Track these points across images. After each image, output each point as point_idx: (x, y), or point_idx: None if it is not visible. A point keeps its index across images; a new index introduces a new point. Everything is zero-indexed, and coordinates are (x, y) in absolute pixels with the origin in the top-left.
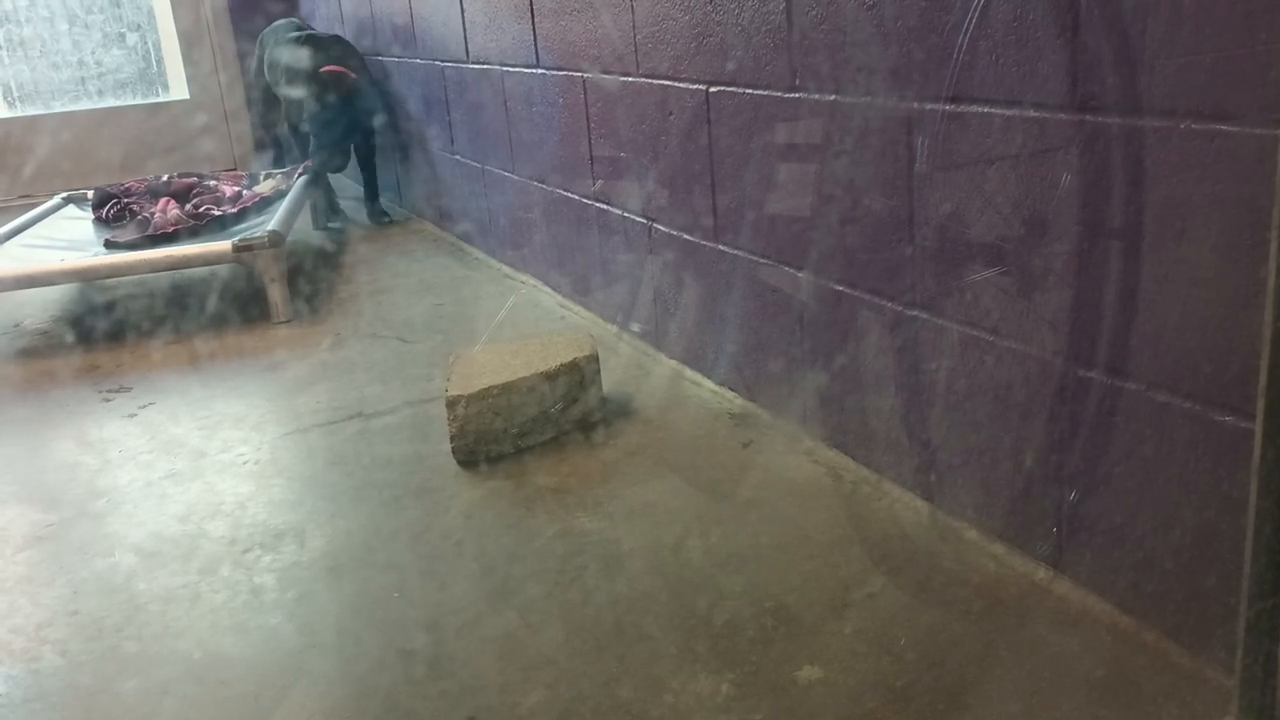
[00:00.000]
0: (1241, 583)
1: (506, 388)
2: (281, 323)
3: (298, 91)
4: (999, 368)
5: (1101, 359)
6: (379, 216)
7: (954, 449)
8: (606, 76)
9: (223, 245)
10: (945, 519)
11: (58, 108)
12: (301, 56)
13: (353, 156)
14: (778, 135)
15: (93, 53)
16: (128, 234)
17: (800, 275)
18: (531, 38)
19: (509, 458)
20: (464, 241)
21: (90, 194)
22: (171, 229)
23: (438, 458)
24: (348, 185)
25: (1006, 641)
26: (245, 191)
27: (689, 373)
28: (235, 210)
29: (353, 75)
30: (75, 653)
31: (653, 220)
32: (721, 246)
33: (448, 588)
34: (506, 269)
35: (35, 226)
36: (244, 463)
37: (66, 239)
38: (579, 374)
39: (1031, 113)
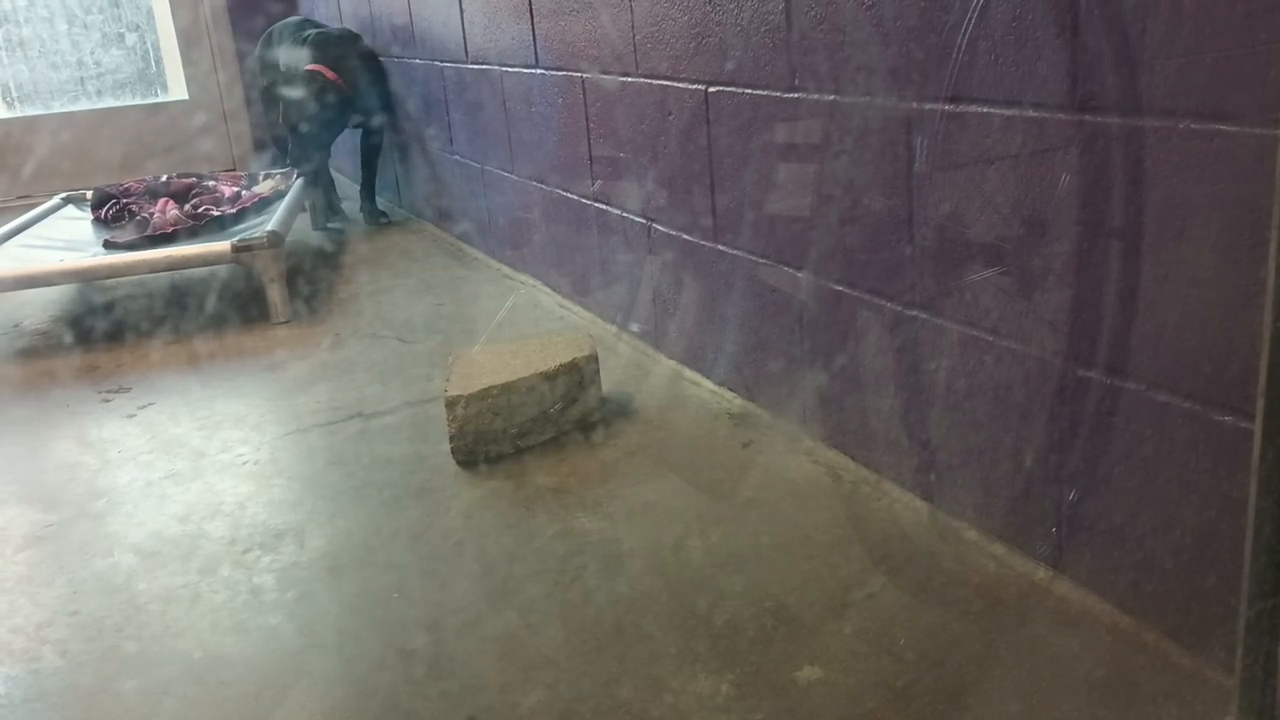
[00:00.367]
0: (1241, 583)
1: (506, 388)
2: (281, 323)
3: (285, 91)
4: (999, 368)
5: (1101, 359)
6: (375, 217)
7: (954, 449)
8: (606, 76)
9: (222, 246)
10: (945, 519)
11: (57, 108)
12: (292, 56)
13: (353, 157)
14: (777, 135)
15: (92, 53)
16: (127, 234)
17: (800, 275)
18: (531, 38)
19: (509, 458)
20: (463, 241)
21: (89, 194)
22: (170, 229)
23: (437, 458)
24: (348, 186)
25: (1006, 641)
26: (244, 192)
27: (688, 373)
28: (234, 210)
29: (331, 75)
30: (75, 653)
31: (652, 220)
32: (721, 246)
33: (448, 588)
34: (506, 269)
35: (34, 227)
36: (244, 463)
37: (65, 239)
38: (578, 374)
39: (1031, 113)
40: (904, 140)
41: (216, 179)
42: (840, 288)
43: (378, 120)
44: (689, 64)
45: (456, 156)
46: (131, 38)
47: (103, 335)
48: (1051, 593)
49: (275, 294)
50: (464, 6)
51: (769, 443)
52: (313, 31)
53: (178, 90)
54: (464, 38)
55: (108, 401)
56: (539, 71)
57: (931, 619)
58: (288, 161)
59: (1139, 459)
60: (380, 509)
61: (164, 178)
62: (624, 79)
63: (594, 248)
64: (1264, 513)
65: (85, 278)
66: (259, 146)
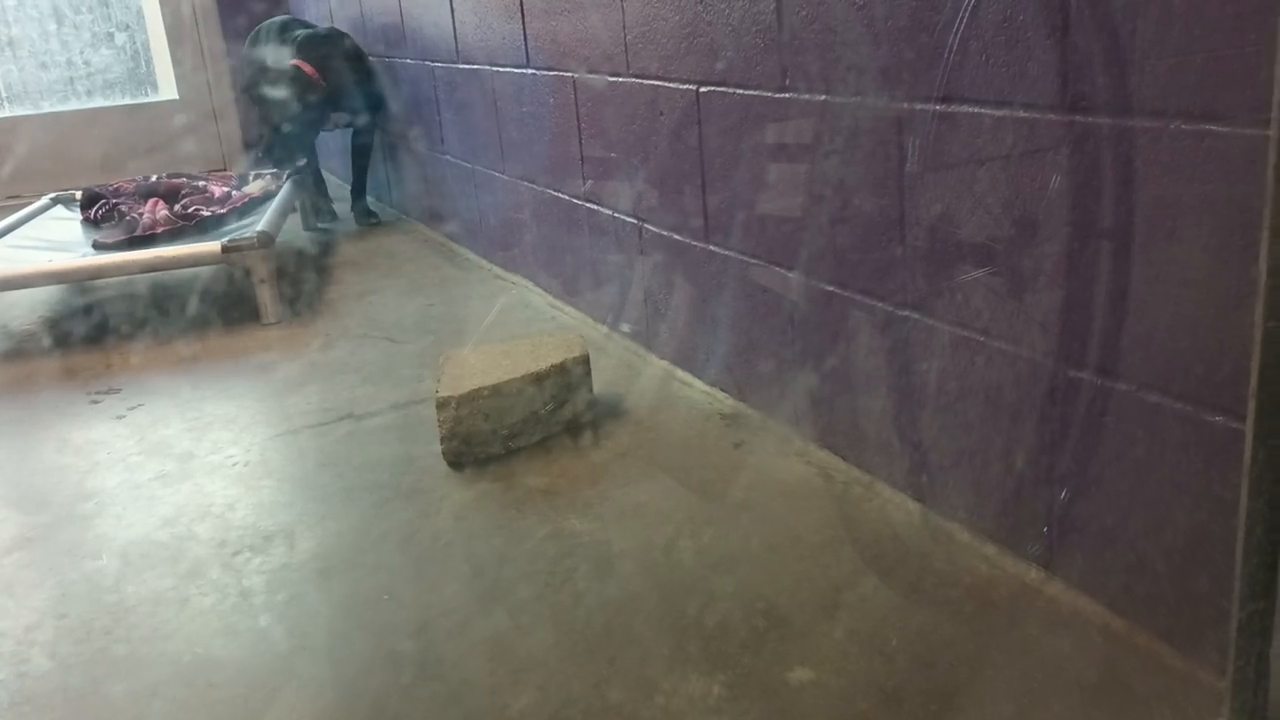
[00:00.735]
0: (1233, 584)
1: (497, 389)
2: (271, 324)
3: (267, 89)
4: (990, 368)
5: (1092, 360)
6: (365, 218)
7: (945, 450)
8: (596, 76)
9: (212, 246)
10: (937, 520)
11: (46, 108)
12: (278, 54)
13: (343, 157)
14: (768, 135)
15: (81, 53)
16: (116, 235)
17: (791, 275)
18: (521, 37)
19: (499, 459)
20: (454, 242)
21: (78, 194)
22: (160, 230)
23: (428, 459)
24: (339, 186)
25: (998, 643)
26: (234, 192)
27: (680, 373)
28: (224, 211)
29: (311, 72)
30: (64, 655)
31: (643, 220)
32: (712, 247)
33: (437, 590)
34: (497, 269)
35: (23, 227)
36: (233, 464)
37: (54, 240)
38: (569, 375)
39: (1022, 113)
40: (895, 140)
41: (206, 179)
42: (831, 288)
43: (365, 120)
44: (680, 64)
45: (447, 156)
46: (121, 37)
47: (92, 336)
48: (1043, 594)
49: (265, 295)
50: (454, 6)
51: (760, 443)
52: (300, 31)
53: (168, 90)
54: (454, 37)
55: (97, 403)
56: (530, 71)
57: (923, 620)
58: (268, 159)
59: (1130, 460)
60: (370, 510)
61: (154, 178)
62: (615, 79)
63: (585, 248)
64: (1255, 514)
65: (74, 278)
66: (249, 146)
